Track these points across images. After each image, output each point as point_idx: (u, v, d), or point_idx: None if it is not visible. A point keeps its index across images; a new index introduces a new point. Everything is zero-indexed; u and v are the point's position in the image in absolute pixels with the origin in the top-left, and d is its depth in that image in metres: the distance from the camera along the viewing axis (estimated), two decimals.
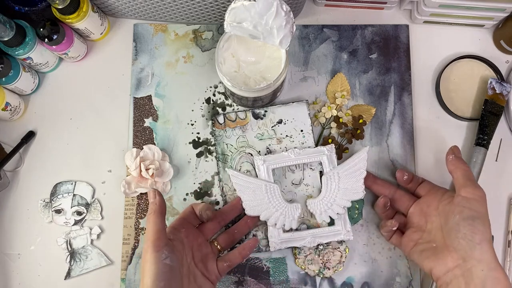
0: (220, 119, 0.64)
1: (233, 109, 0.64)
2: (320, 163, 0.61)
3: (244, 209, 0.60)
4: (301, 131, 0.63)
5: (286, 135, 0.63)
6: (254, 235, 0.61)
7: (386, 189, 0.60)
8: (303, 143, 0.62)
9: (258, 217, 0.60)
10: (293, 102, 0.63)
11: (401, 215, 0.60)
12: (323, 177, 0.60)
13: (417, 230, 0.56)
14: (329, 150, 0.61)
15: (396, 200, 0.59)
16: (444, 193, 0.56)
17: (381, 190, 0.60)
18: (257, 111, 0.63)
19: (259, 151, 0.63)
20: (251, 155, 0.63)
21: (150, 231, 0.49)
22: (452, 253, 0.50)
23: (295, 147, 0.62)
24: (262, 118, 0.63)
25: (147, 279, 0.47)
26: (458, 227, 0.50)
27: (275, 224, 0.59)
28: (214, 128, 0.64)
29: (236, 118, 0.63)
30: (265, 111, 0.63)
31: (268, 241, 0.60)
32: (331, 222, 0.60)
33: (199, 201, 0.63)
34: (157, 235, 0.49)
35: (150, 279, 0.47)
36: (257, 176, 0.61)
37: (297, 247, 0.60)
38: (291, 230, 0.60)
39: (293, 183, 0.62)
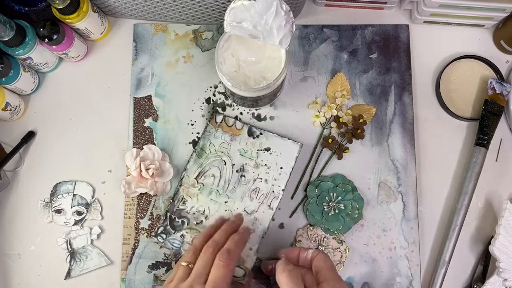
0: (219, 118, 0.64)
1: (235, 117, 0.64)
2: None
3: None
4: (281, 168, 0.61)
5: (265, 164, 0.61)
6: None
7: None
8: (275, 179, 0.61)
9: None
10: (289, 139, 0.62)
11: None
12: None
13: None
14: None
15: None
16: None
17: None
18: (253, 129, 0.63)
19: (234, 164, 0.62)
20: (225, 163, 0.62)
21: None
22: None
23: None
24: (254, 138, 0.62)
25: None
26: None
27: None
28: (208, 123, 0.63)
29: (232, 125, 0.63)
30: (261, 133, 0.62)
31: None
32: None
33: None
34: None
35: None
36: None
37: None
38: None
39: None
